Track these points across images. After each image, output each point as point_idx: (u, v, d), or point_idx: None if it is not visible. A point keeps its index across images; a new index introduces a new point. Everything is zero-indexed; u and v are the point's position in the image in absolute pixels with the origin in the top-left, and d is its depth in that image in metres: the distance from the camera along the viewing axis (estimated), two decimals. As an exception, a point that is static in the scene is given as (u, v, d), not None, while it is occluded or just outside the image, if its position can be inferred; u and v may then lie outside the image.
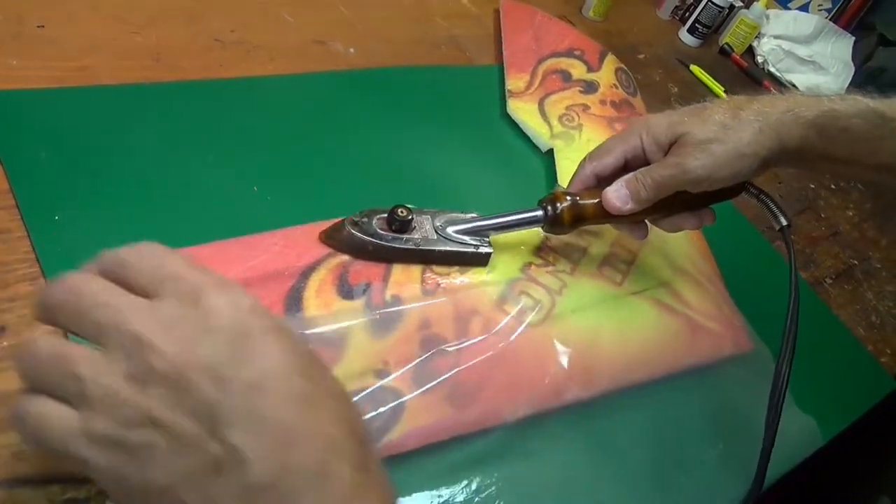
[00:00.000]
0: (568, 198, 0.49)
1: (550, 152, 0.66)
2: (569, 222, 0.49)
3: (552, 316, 0.50)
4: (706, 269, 0.60)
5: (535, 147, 0.67)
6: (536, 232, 0.55)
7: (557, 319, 0.50)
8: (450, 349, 0.46)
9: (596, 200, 0.49)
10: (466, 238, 0.50)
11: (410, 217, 0.48)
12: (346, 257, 0.48)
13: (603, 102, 0.72)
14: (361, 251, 0.48)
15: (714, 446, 0.50)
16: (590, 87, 0.74)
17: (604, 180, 0.50)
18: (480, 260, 0.50)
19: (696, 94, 0.89)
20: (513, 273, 0.52)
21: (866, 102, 0.46)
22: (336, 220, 0.49)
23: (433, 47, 0.74)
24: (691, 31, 1.02)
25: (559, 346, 0.48)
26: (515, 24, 0.80)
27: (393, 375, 0.43)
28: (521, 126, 0.67)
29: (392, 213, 0.48)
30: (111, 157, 0.49)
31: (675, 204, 0.49)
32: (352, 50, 0.66)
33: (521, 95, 0.70)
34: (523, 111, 0.68)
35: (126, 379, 0.25)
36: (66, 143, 0.48)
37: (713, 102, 0.48)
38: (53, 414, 0.25)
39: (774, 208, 0.50)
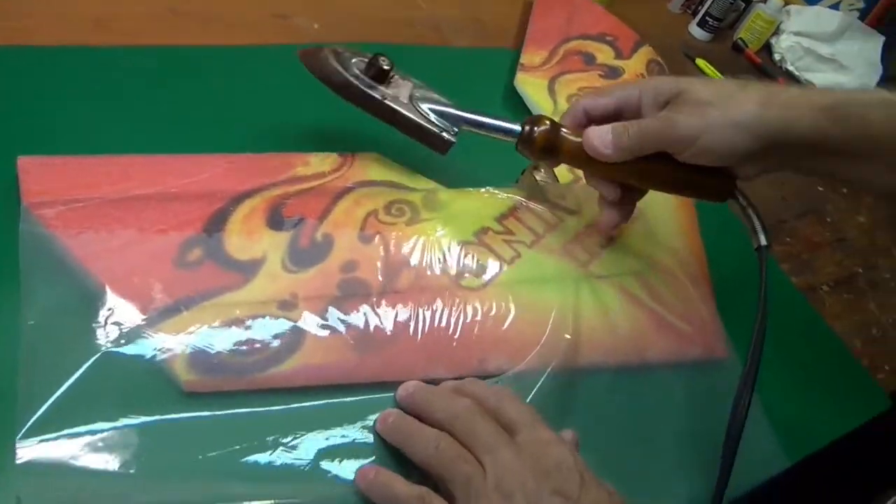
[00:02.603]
0: (549, 124, 0.46)
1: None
2: (540, 147, 0.46)
3: (494, 283, 0.47)
4: (692, 269, 0.55)
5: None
6: (504, 199, 0.52)
7: (498, 288, 0.47)
8: (369, 296, 0.43)
9: (577, 139, 0.46)
10: (436, 118, 0.48)
11: (390, 70, 0.47)
12: (288, 189, 0.47)
13: (618, 87, 0.68)
14: (328, 79, 0.47)
15: (667, 451, 0.45)
16: (612, 73, 0.70)
17: (593, 121, 0.47)
18: (440, 145, 0.48)
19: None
20: (465, 235, 0.49)
21: (885, 93, 0.41)
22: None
23: (406, 26, 0.70)
24: (701, 24, 0.95)
25: (492, 314, 0.45)
26: (551, 1, 0.76)
27: (298, 309, 0.41)
28: (524, 100, 0.64)
29: (372, 59, 0.47)
30: (49, 121, 0.47)
31: (654, 173, 0.46)
32: (316, 25, 0.64)
33: (533, 70, 0.67)
34: (530, 85, 0.65)
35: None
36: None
37: (721, 79, 0.45)
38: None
39: (757, 224, 0.46)
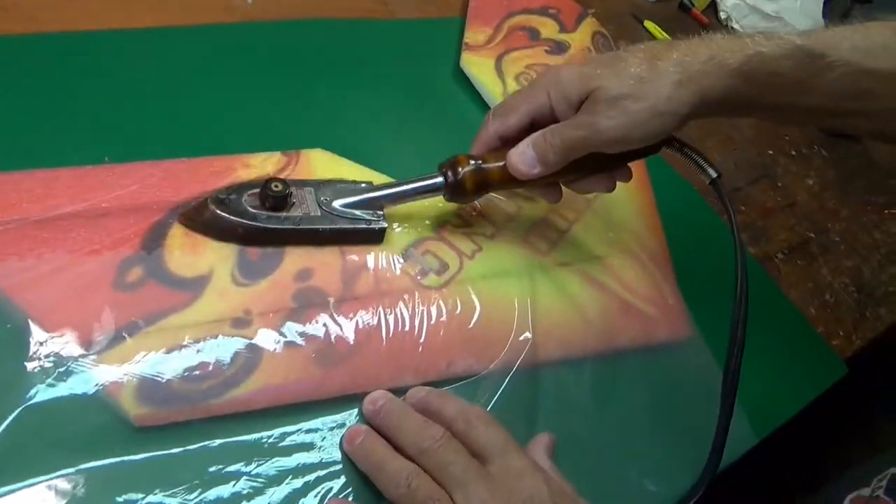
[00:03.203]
0: (471, 162, 0.43)
1: (500, 110, 0.60)
2: (472, 190, 0.44)
3: (456, 280, 0.45)
4: (652, 247, 0.54)
5: (485, 107, 0.62)
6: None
7: (461, 285, 0.45)
8: (328, 305, 0.41)
9: (501, 164, 0.43)
10: (357, 212, 0.43)
11: (288, 192, 0.41)
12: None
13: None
14: (229, 235, 0.41)
15: (638, 437, 0.45)
16: (559, 48, 0.69)
17: (509, 141, 0.44)
18: (374, 237, 0.44)
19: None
20: (423, 231, 0.47)
21: (793, 41, 0.40)
22: (199, 196, 0.42)
23: (349, -1, 0.65)
24: (648, -15, 0.95)
25: (457, 312, 0.43)
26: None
27: (253, 326, 0.39)
28: (472, 81, 0.62)
29: (265, 187, 0.41)
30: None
31: (588, 164, 0.44)
32: (250, 1, 0.59)
33: (478, 49, 0.64)
34: (476, 65, 0.62)
35: None
36: None
37: (628, 50, 0.42)
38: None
39: (701, 161, 0.45)
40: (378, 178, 0.49)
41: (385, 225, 0.44)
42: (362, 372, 0.40)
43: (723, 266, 0.45)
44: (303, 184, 0.43)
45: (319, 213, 0.42)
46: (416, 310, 0.43)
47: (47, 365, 0.34)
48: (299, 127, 0.52)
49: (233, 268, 0.40)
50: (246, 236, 0.41)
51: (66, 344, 0.35)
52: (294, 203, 0.42)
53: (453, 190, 0.44)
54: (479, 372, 0.42)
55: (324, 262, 0.42)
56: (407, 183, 0.44)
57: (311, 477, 0.36)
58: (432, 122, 0.58)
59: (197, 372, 0.36)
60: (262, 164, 0.47)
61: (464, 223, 0.49)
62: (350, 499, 0.36)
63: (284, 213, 0.41)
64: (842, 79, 0.40)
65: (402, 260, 0.44)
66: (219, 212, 0.40)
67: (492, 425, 0.38)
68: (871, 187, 0.78)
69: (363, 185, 0.45)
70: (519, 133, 0.44)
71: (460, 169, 0.43)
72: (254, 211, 0.41)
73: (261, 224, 0.41)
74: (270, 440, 0.36)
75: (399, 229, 0.46)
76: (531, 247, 0.49)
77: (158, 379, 0.35)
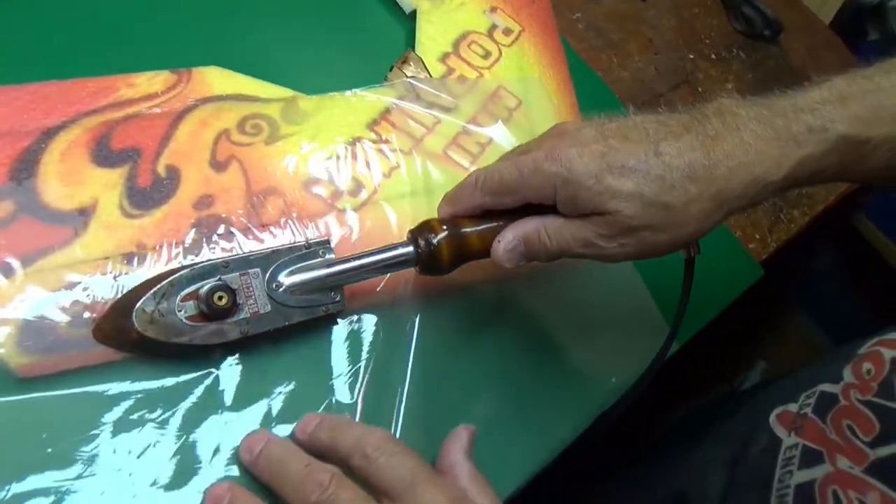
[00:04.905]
0: (444, 228, 0.37)
1: (414, 15, 0.56)
2: (448, 260, 0.37)
3: (372, 202, 0.42)
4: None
5: (397, 10, 0.57)
6: (374, 101, 0.47)
7: (377, 206, 0.42)
8: (233, 234, 0.38)
9: (481, 226, 0.37)
10: (311, 297, 0.36)
11: (234, 303, 0.34)
12: (113, 115, 0.39)
13: (488, -36, 0.62)
14: (166, 354, 0.34)
15: (551, 351, 0.45)
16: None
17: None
18: (331, 320, 0.38)
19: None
20: (335, 148, 0.43)
21: (837, 130, 0.33)
22: (109, 303, 0.33)
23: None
24: None
25: (372, 234, 0.41)
26: None
27: (148, 261, 0.35)
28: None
29: (208, 300, 0.33)
30: None
31: None
32: None
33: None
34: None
35: None
36: None
37: (664, 131, 0.34)
38: None
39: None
40: (282, 91, 0.45)
41: (342, 307, 0.37)
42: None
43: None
44: (245, 265, 0.35)
45: (270, 309, 0.35)
46: (331, 233, 0.40)
47: None
48: (189, 41, 0.46)
49: (120, 197, 0.36)
50: (187, 358, 0.34)
51: (-73, 292, 0.31)
52: (240, 304, 0.34)
53: (426, 264, 0.37)
54: (402, 297, 0.40)
55: (226, 187, 0.39)
56: (370, 255, 0.37)
57: (213, 421, 0.34)
58: (339, 29, 0.53)
59: (86, 315, 0.33)
60: (147, 83, 0.41)
61: (379, 138, 0.45)
62: None
63: (231, 320, 0.34)
64: (884, 155, 0.35)
65: (313, 181, 0.41)
66: (149, 336, 0.32)
67: (395, 455, 0.32)
68: (788, 90, 0.79)
69: (318, 257, 0.37)
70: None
71: (434, 236, 0.36)
72: (193, 325, 0.33)
73: (202, 344, 0.33)
74: (173, 387, 0.34)
75: (308, 147, 0.43)
76: (452, 163, 0.47)
77: (42, 324, 0.32)
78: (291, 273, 0.36)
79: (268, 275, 0.35)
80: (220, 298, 0.33)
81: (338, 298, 0.37)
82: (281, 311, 0.35)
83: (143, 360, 0.33)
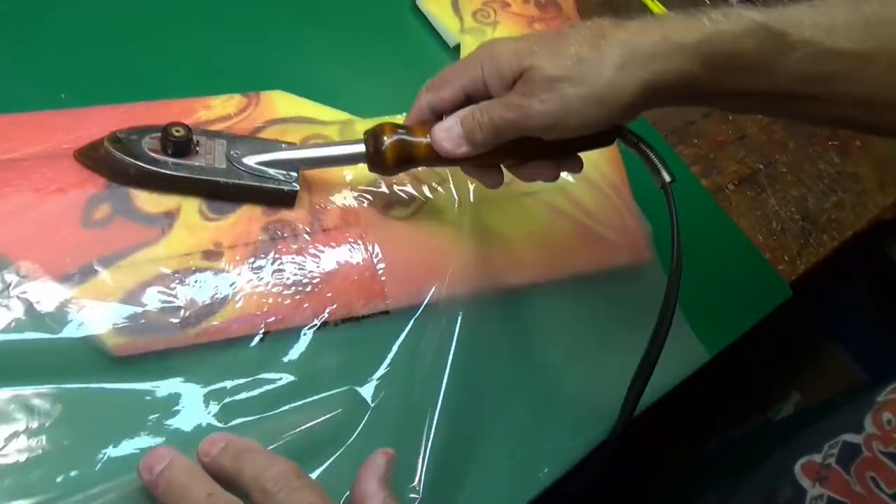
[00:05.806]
0: (397, 131, 0.40)
1: (458, 49, 0.61)
2: (393, 163, 0.40)
3: (424, 211, 0.46)
4: (612, 177, 0.56)
5: (443, 44, 0.62)
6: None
7: (429, 215, 0.46)
8: (297, 237, 0.42)
9: (428, 139, 0.40)
10: (269, 170, 0.41)
11: (189, 137, 0.39)
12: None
13: (526, 0, 0.67)
14: (122, 176, 0.39)
15: (584, 360, 0.47)
16: (516, -15, 0.69)
17: (443, 116, 0.41)
18: (283, 199, 0.42)
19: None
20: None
21: (753, 17, 0.35)
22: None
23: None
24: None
25: (423, 242, 0.45)
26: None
27: (224, 258, 0.39)
28: (429, 19, 0.62)
29: (165, 131, 0.38)
30: None
31: (528, 150, 0.41)
32: None
33: (435, -13, 0.64)
34: (434, 3, 0.63)
35: None
36: None
37: (574, 27, 0.38)
38: None
39: (656, 161, 0.41)
40: (339, 115, 0.49)
41: (297, 188, 0.41)
42: (333, 300, 0.41)
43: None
44: (215, 135, 0.41)
45: (224, 166, 0.40)
46: (383, 241, 0.44)
47: (16, 303, 0.34)
48: (258, 68, 0.52)
49: (200, 203, 0.41)
50: (139, 179, 0.39)
51: (39, 279, 0.35)
52: (199, 153, 0.40)
53: (374, 161, 0.41)
54: (452, 296, 0.44)
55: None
56: (326, 147, 0.42)
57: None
58: (390, 60, 0.58)
59: (172, 302, 0.37)
60: (222, 106, 0.47)
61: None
62: None
63: (186, 161, 0.39)
64: (804, 59, 0.36)
65: (368, 193, 0.45)
66: (113, 151, 0.38)
67: (295, 490, 0.31)
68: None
69: (283, 144, 0.43)
70: (453, 108, 0.40)
71: (384, 139, 0.40)
72: (152, 154, 0.39)
73: (154, 168, 0.39)
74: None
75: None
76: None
77: (134, 309, 0.36)
78: (254, 150, 0.41)
79: (231, 147, 0.41)
80: (177, 131, 0.38)
81: (294, 176, 0.41)
82: (234, 171, 0.40)
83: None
